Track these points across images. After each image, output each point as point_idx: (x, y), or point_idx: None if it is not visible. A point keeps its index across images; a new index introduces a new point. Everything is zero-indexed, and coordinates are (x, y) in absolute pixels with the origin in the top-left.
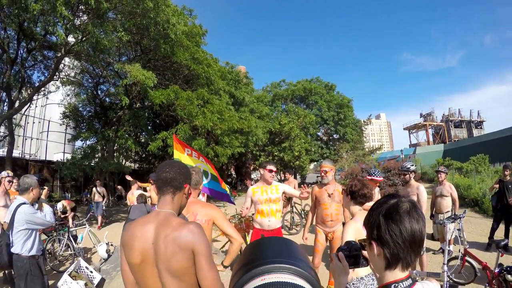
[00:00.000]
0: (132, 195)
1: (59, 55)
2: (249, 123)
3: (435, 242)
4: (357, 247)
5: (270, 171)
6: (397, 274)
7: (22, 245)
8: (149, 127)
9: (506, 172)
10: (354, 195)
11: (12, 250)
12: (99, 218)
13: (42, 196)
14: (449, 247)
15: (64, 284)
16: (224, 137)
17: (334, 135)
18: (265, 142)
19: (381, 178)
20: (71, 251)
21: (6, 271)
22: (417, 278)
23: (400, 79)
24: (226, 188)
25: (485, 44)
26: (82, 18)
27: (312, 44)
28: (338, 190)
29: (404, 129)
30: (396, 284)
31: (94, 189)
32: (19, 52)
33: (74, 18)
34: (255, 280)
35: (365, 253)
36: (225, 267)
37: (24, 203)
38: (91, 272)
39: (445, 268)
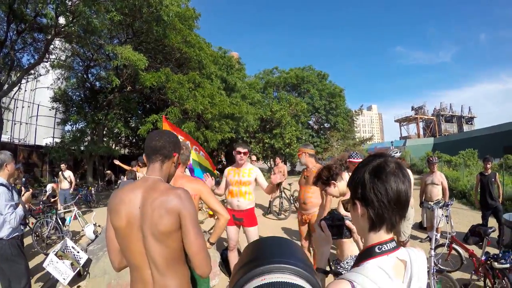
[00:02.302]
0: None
1: (49, 37)
2: (240, 108)
3: (422, 232)
4: (340, 217)
5: (238, 152)
6: (381, 235)
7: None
8: (139, 111)
9: (488, 165)
10: (327, 180)
11: None
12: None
13: (23, 198)
14: (436, 233)
15: (50, 263)
16: (214, 122)
17: (325, 124)
18: (256, 129)
19: (360, 159)
20: (59, 233)
21: None
22: None
23: (393, 72)
24: (213, 171)
25: (480, 42)
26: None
27: (306, 33)
28: (313, 171)
29: (395, 121)
30: (380, 246)
31: (60, 173)
32: (9, 34)
33: None
34: (255, 280)
35: (348, 223)
36: (212, 244)
37: (0, 185)
38: (78, 252)
39: (432, 253)
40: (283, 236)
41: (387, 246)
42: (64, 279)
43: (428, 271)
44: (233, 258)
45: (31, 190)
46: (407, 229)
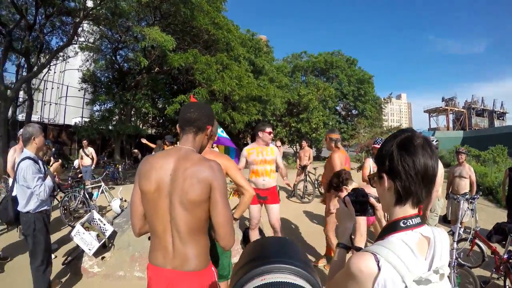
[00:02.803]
0: None
1: (77, 20)
2: (267, 91)
3: (446, 226)
4: (364, 194)
5: (270, 133)
6: (407, 210)
7: (26, 201)
8: (166, 92)
9: None
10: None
11: (18, 207)
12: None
13: (52, 169)
14: (460, 226)
15: (77, 234)
16: (241, 104)
17: (353, 111)
18: (283, 112)
19: None
20: (86, 207)
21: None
22: None
23: (424, 61)
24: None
25: None
26: None
27: (335, 18)
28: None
29: (425, 111)
30: (405, 220)
31: (80, 150)
32: (37, 18)
33: None
34: (255, 280)
35: (372, 201)
36: (236, 219)
37: (28, 158)
38: (104, 224)
39: (455, 246)
40: (306, 220)
41: (412, 221)
42: (89, 249)
43: (449, 264)
44: (254, 237)
45: (60, 161)
46: (432, 221)
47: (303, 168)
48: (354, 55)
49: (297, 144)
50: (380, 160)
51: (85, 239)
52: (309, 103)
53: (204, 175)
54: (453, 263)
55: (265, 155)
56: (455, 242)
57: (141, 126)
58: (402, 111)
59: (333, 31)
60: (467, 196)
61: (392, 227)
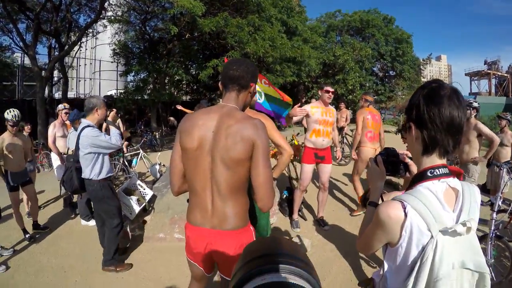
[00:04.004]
0: None
1: None
2: (302, 52)
3: (485, 195)
4: (395, 154)
5: (327, 91)
6: (434, 160)
7: (91, 169)
8: (200, 57)
9: None
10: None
11: (82, 175)
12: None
13: (109, 118)
14: (500, 196)
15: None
16: (276, 66)
17: (391, 72)
18: (318, 74)
19: None
20: (126, 174)
21: (65, 196)
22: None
23: (466, 21)
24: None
25: None
26: None
27: None
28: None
29: (466, 75)
30: (432, 170)
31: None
32: None
33: None
34: (255, 279)
35: (407, 160)
36: (274, 179)
37: (87, 126)
38: (144, 189)
39: (494, 216)
40: (343, 182)
41: (439, 170)
42: (130, 213)
43: (486, 235)
44: (298, 198)
45: (114, 110)
46: None
47: (340, 130)
48: (391, 13)
49: (333, 106)
50: (408, 110)
51: (126, 203)
52: (345, 63)
53: (247, 133)
54: (491, 234)
55: (328, 116)
56: (494, 213)
57: (175, 94)
58: (441, 73)
59: None
60: (509, 165)
61: (420, 176)
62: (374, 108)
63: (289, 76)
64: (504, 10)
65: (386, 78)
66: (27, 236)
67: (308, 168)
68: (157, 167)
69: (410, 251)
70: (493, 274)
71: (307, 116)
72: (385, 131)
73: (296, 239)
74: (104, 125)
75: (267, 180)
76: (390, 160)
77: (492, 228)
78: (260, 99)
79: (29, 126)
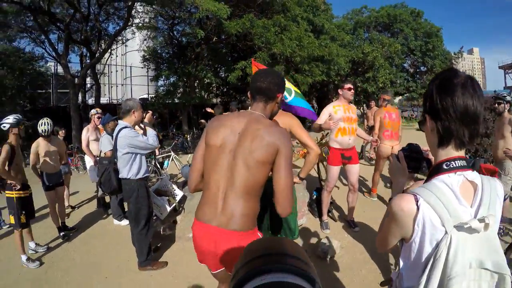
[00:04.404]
0: None
1: (129, 3)
2: (330, 50)
3: None
4: (418, 150)
5: (349, 89)
6: (450, 152)
7: (129, 169)
8: (228, 60)
9: None
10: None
11: (120, 175)
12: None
13: (146, 120)
14: None
15: None
16: (304, 65)
17: (421, 67)
18: (348, 72)
19: None
20: (157, 176)
21: (99, 197)
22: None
23: (499, 11)
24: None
25: None
26: None
27: None
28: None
29: (499, 68)
30: (448, 162)
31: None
32: (91, 9)
33: None
34: (255, 279)
35: (430, 156)
36: (301, 178)
37: (125, 127)
38: (174, 189)
39: None
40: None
41: (455, 163)
42: (161, 213)
43: None
44: (326, 199)
45: (150, 111)
46: (506, 186)
47: (371, 128)
48: (419, 6)
49: (364, 104)
50: (423, 101)
51: (157, 203)
52: (374, 61)
53: (273, 139)
54: None
55: (350, 112)
56: None
57: (206, 96)
58: (474, 67)
59: None
60: None
61: (435, 169)
62: (392, 106)
63: (318, 75)
64: None
65: (417, 74)
66: (61, 234)
67: (335, 170)
68: (188, 168)
69: (424, 247)
70: None
71: (330, 117)
72: (416, 129)
73: (325, 240)
74: (140, 127)
75: (287, 186)
76: (412, 156)
77: None
78: (288, 97)
79: (63, 131)
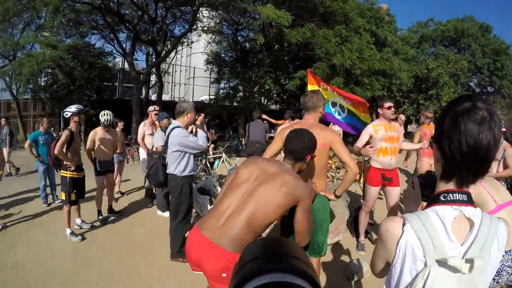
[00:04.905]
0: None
1: (194, 8)
2: (391, 64)
3: None
4: (435, 179)
5: (389, 107)
6: (450, 185)
7: (176, 166)
8: (290, 68)
9: None
10: None
11: (167, 170)
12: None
13: (198, 122)
14: None
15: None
16: (364, 78)
17: (489, 88)
18: (410, 88)
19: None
20: (206, 175)
21: (146, 188)
22: None
23: None
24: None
25: None
26: None
27: None
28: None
29: None
30: (446, 194)
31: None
32: (158, 12)
33: None
34: (255, 280)
35: None
36: (337, 196)
37: (178, 127)
38: (217, 190)
39: None
40: None
41: (453, 196)
42: (201, 211)
43: None
44: (363, 220)
45: (202, 114)
46: None
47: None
48: (488, 20)
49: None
50: (435, 126)
51: (198, 201)
52: (438, 77)
53: (297, 190)
54: None
55: (392, 131)
56: None
57: (265, 102)
58: None
59: None
60: None
61: (433, 199)
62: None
63: (377, 89)
64: None
65: (484, 95)
66: (100, 218)
67: (373, 190)
68: (234, 170)
69: (403, 274)
70: None
71: (371, 137)
72: None
73: (356, 262)
74: (193, 127)
75: (303, 229)
76: (428, 185)
77: None
78: (342, 114)
79: (122, 123)
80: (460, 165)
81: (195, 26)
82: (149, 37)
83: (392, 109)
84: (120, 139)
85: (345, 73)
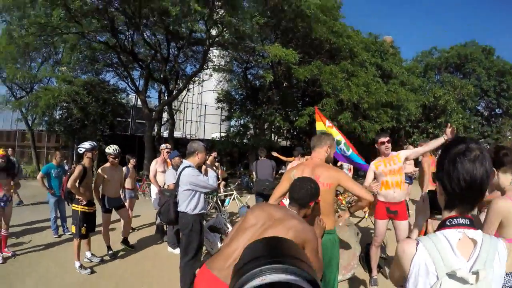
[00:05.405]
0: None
1: (205, 48)
2: (398, 95)
3: None
4: None
5: (382, 143)
6: (453, 213)
7: (187, 204)
8: (298, 105)
9: None
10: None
11: (178, 208)
12: (221, 190)
13: (208, 162)
14: None
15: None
16: (371, 111)
17: (497, 110)
18: (419, 118)
19: None
20: (217, 212)
21: (157, 224)
22: None
23: None
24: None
25: None
26: (219, 12)
27: (462, 4)
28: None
29: None
30: (451, 219)
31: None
32: (170, 51)
33: (211, 12)
34: (255, 280)
35: None
36: (351, 213)
37: (189, 166)
38: (228, 228)
39: None
40: None
41: (457, 220)
42: (212, 249)
43: None
44: (375, 255)
45: (213, 154)
46: None
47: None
48: (490, 43)
49: (437, 151)
50: (437, 167)
51: (209, 239)
52: (446, 104)
53: (303, 234)
54: None
55: (392, 164)
56: None
57: (275, 139)
58: None
59: (462, 19)
60: None
61: (440, 225)
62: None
63: (386, 121)
64: None
65: (492, 118)
66: (109, 252)
67: (381, 224)
68: (245, 209)
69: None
70: None
71: (375, 174)
72: None
73: None
74: (204, 167)
75: (314, 268)
76: (435, 199)
77: None
78: (347, 152)
79: (134, 160)
80: (459, 196)
81: (206, 65)
82: (162, 76)
83: (386, 144)
84: (132, 175)
85: (353, 107)
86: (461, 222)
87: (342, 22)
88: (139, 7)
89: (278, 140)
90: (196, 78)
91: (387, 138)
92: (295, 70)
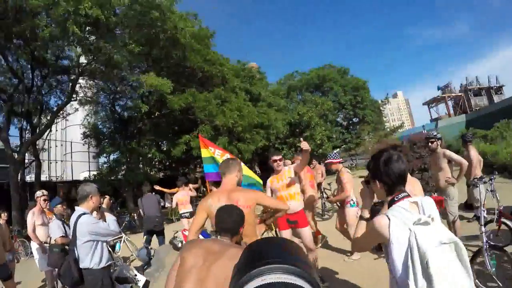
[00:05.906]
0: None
1: (73, 77)
2: (268, 116)
3: (469, 212)
4: (378, 210)
5: (274, 161)
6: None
7: (91, 258)
8: (170, 134)
9: None
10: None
11: (81, 265)
12: None
13: (104, 205)
14: (483, 209)
15: None
16: (245, 134)
17: (354, 119)
18: (286, 134)
19: (338, 160)
20: (110, 261)
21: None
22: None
23: (412, 55)
24: (257, 178)
25: (493, 5)
26: (91, 39)
27: (320, 31)
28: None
29: (423, 104)
30: (397, 196)
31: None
32: (34, 81)
33: (84, 37)
34: (255, 280)
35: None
36: (267, 225)
37: (84, 213)
38: (135, 275)
39: (483, 229)
40: (331, 236)
41: (401, 195)
42: None
43: (480, 249)
44: None
45: (107, 197)
46: (454, 209)
47: (318, 186)
48: (345, 64)
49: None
50: (373, 171)
51: None
52: (310, 120)
53: None
54: (485, 246)
55: (284, 179)
56: (482, 226)
57: (150, 172)
58: (400, 108)
59: (320, 46)
60: (484, 179)
61: (391, 203)
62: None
63: (259, 141)
64: (442, 37)
65: (351, 126)
66: None
67: (284, 234)
68: (145, 250)
69: (400, 243)
70: (499, 283)
71: (272, 190)
72: (359, 176)
73: None
74: (98, 212)
75: None
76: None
77: (484, 240)
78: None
79: (5, 214)
80: (396, 184)
81: (73, 97)
82: (24, 109)
83: (278, 161)
84: (5, 232)
85: (228, 132)
86: (403, 195)
87: (214, 51)
88: (7, 27)
89: (152, 172)
90: (61, 112)
91: (279, 157)
92: (170, 99)
